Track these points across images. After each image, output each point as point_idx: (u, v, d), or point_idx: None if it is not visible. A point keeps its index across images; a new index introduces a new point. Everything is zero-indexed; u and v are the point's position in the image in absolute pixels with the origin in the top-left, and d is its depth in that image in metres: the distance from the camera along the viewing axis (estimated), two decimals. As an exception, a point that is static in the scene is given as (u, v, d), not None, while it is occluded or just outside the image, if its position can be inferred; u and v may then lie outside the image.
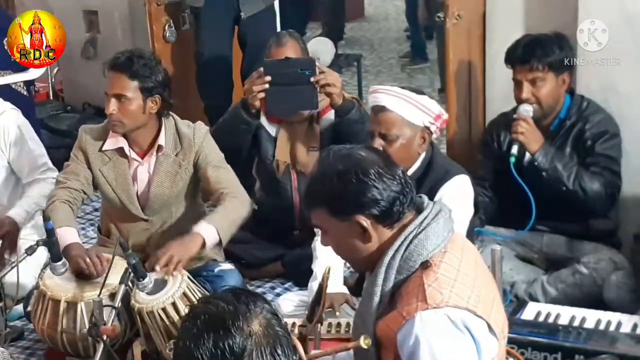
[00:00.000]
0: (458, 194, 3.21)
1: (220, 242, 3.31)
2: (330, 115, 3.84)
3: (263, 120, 3.90)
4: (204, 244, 3.24)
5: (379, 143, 3.16)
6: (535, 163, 3.52)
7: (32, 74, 4.71)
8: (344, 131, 3.74)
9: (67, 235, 3.31)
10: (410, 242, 2.13)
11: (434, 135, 3.29)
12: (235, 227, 3.39)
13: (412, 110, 3.16)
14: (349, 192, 2.12)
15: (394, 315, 2.10)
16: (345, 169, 2.13)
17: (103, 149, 3.51)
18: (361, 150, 2.20)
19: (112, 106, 3.36)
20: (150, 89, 3.38)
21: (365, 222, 2.13)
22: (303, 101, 3.75)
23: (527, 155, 3.58)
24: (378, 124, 3.19)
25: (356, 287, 3.11)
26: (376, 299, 2.14)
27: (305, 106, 3.79)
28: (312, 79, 3.66)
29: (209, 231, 3.26)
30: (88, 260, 3.19)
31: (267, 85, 3.69)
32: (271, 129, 3.93)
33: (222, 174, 3.49)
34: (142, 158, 3.52)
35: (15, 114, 3.97)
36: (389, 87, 3.24)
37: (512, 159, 3.55)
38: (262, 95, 3.71)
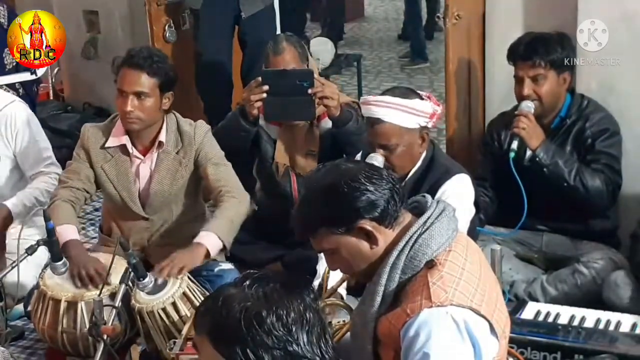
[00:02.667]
0: (459, 193, 3.20)
1: (224, 247, 3.32)
2: (330, 118, 3.84)
3: (262, 122, 3.90)
4: (207, 254, 3.25)
5: (381, 153, 3.17)
6: (537, 159, 3.52)
7: (26, 75, 4.71)
8: (342, 141, 3.75)
9: (66, 232, 3.32)
10: (415, 241, 2.14)
11: (429, 125, 3.28)
12: (236, 228, 3.40)
13: (407, 117, 3.16)
14: (345, 201, 2.12)
15: (397, 312, 2.11)
16: (334, 182, 2.15)
17: (105, 146, 3.51)
18: (343, 162, 2.25)
19: (130, 104, 3.34)
20: (169, 86, 3.40)
21: (368, 226, 2.14)
22: (300, 112, 3.76)
23: (528, 152, 3.58)
24: (376, 136, 3.20)
25: (356, 287, 3.11)
26: (378, 298, 2.15)
27: (302, 117, 3.80)
28: (309, 91, 3.66)
29: (210, 239, 3.27)
30: (84, 273, 3.19)
31: (264, 95, 3.70)
32: (271, 131, 3.93)
33: (221, 171, 3.50)
34: (144, 155, 3.53)
35: (23, 105, 3.97)
36: (380, 98, 3.22)
37: (512, 154, 3.53)
38: (259, 104, 3.72)
